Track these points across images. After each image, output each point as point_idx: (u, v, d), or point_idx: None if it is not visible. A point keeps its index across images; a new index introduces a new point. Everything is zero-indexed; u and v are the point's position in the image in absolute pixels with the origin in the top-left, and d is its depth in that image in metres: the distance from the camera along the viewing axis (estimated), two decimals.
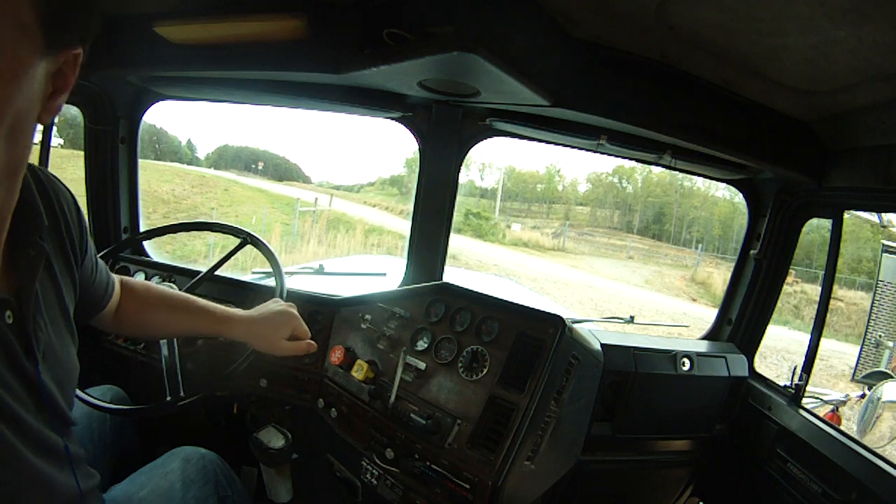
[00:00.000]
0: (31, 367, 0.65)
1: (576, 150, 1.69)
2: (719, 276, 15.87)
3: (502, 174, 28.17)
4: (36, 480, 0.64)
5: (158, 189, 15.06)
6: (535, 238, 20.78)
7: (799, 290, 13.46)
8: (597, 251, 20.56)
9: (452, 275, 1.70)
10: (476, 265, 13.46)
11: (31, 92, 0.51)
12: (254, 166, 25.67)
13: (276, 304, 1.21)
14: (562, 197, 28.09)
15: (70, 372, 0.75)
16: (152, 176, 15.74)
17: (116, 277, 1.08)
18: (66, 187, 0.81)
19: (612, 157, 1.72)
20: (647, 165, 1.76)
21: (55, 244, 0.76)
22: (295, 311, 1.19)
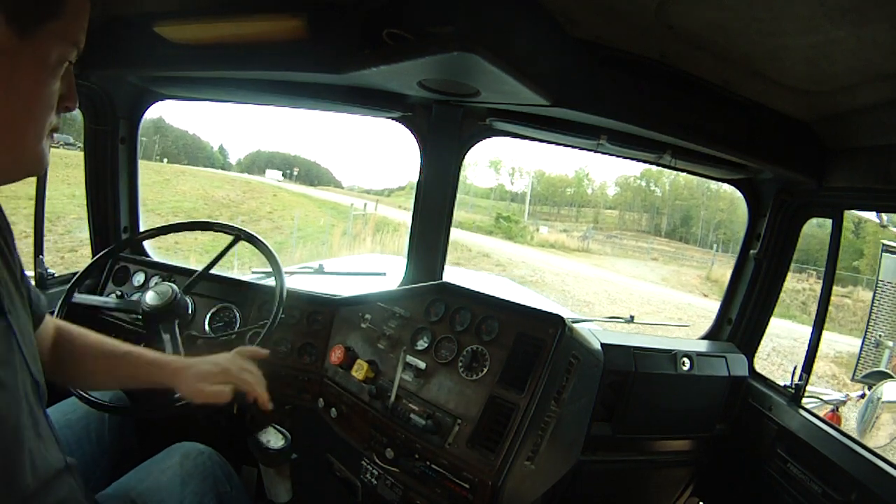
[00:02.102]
0: (2, 319, 0.67)
1: (576, 149, 1.69)
2: None
3: (531, 178, 28.41)
4: (20, 430, 0.65)
5: (214, 195, 16.06)
6: (561, 240, 21.61)
7: (808, 288, 13.68)
8: (621, 252, 21.22)
9: (452, 274, 1.70)
10: (506, 262, 14.55)
11: None
12: (288, 172, 26.07)
13: (222, 357, 1.10)
14: (591, 200, 28.35)
15: (27, 323, 0.78)
16: (204, 182, 16.89)
17: (51, 318, 1.01)
18: None
19: (615, 157, 1.71)
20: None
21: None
22: (236, 363, 1.08)
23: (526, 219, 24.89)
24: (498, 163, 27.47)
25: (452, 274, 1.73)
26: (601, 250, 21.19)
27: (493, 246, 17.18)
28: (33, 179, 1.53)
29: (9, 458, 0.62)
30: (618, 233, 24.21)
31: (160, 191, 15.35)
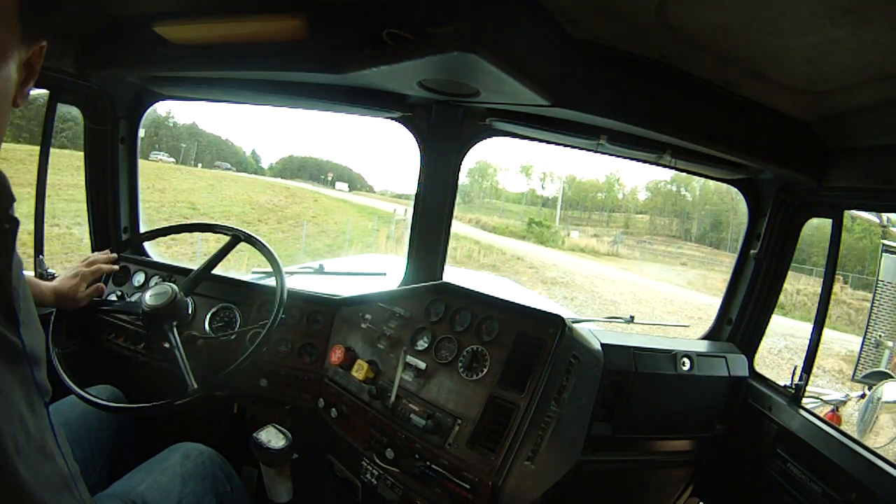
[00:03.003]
0: (15, 336, 0.66)
1: (576, 149, 1.69)
2: None
3: (562, 183, 28.63)
4: (25, 447, 0.64)
5: (259, 199, 16.81)
6: (591, 244, 22.38)
7: (834, 293, 14.10)
8: (651, 257, 22.06)
9: (452, 275, 1.70)
10: (539, 265, 15.67)
11: (9, 78, 0.58)
12: (323, 177, 26.58)
13: (71, 269, 1.39)
14: (622, 205, 28.53)
15: (41, 337, 0.77)
16: (248, 188, 17.86)
17: None
18: None
19: (615, 157, 1.71)
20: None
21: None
22: (80, 267, 1.38)
23: (557, 224, 25.35)
24: (529, 168, 27.92)
25: (452, 274, 1.73)
26: (630, 255, 21.85)
27: (525, 250, 18.06)
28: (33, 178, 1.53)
29: (8, 472, 0.61)
30: (648, 238, 24.43)
31: (208, 196, 15.90)
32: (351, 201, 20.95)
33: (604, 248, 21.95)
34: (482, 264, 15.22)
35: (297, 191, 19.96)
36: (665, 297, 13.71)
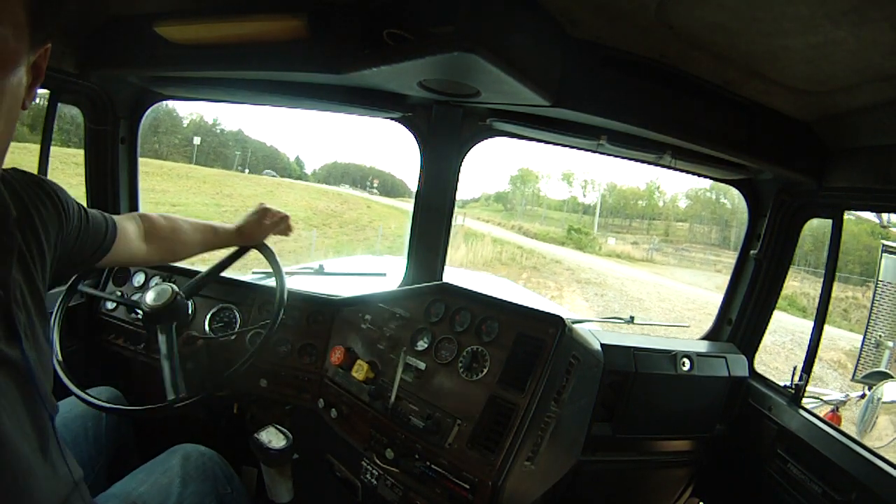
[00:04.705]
0: (17, 351, 0.66)
1: (576, 150, 1.69)
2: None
3: (602, 191, 29.16)
4: (30, 465, 0.65)
5: (317, 205, 18.04)
6: (626, 250, 23.33)
7: (850, 296, 14.41)
8: (687, 263, 22.54)
9: (452, 275, 1.70)
10: (575, 268, 17.09)
11: (21, 83, 0.60)
12: (368, 184, 27.30)
13: (252, 210, 1.43)
14: (662, 213, 28.65)
15: (46, 352, 0.76)
16: (303, 194, 19.27)
17: (124, 216, 1.15)
18: (28, 174, 0.82)
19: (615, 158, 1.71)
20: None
21: (27, 232, 0.77)
22: (265, 205, 1.44)
23: (595, 231, 25.79)
24: (570, 175, 28.37)
25: (452, 274, 1.73)
26: (665, 261, 22.50)
27: (564, 255, 19.31)
28: None
29: (17, 478, 0.62)
30: (687, 245, 24.70)
31: (270, 202, 16.29)
32: (400, 208, 21.87)
33: (639, 255, 22.55)
34: (524, 266, 16.36)
35: (349, 197, 21.28)
36: (688, 297, 14.29)
